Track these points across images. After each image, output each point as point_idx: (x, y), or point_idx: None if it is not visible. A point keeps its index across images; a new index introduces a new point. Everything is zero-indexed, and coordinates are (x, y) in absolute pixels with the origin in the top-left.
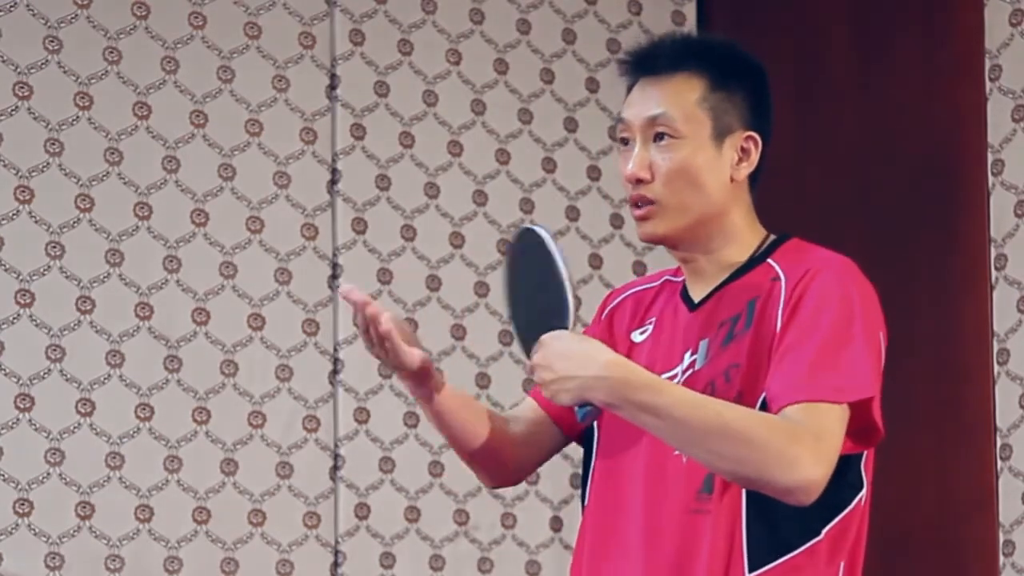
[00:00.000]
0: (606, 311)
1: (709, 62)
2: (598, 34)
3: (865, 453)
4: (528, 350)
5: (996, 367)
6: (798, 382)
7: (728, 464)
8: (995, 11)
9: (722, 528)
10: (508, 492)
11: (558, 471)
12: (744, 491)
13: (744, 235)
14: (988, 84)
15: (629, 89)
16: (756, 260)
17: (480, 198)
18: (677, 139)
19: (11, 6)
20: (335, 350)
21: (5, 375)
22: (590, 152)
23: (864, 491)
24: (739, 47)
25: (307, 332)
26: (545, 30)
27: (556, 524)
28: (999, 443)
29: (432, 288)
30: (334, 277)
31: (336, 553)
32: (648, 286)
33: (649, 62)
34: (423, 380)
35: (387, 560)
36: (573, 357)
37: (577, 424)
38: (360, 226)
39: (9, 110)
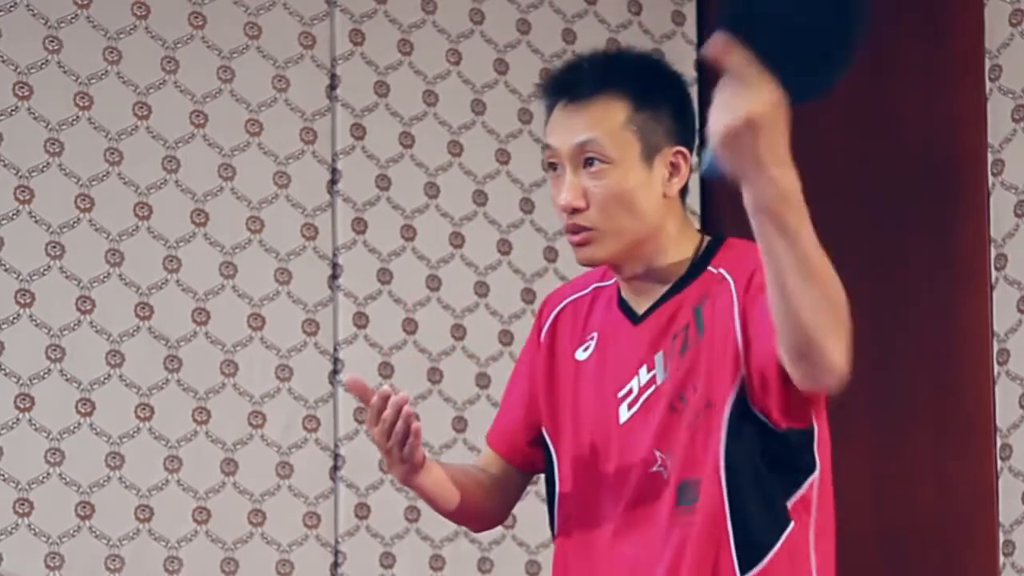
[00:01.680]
0: (545, 328)
1: (630, 81)
2: (598, 34)
3: (816, 436)
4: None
5: (996, 367)
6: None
7: (812, 316)
8: (995, 11)
9: (707, 538)
10: None
11: None
12: (727, 499)
13: (680, 243)
14: (988, 84)
15: (549, 111)
16: (697, 269)
17: (480, 198)
18: (607, 164)
19: (11, 6)
20: (335, 350)
21: (5, 375)
22: None
23: (817, 473)
24: (658, 61)
25: (307, 332)
26: (545, 30)
27: None
28: (999, 443)
29: (432, 288)
30: (334, 277)
31: (336, 553)
32: (580, 294)
33: (570, 86)
34: (416, 470)
35: (387, 560)
36: (776, 135)
37: (538, 463)
38: (360, 226)
39: (9, 110)
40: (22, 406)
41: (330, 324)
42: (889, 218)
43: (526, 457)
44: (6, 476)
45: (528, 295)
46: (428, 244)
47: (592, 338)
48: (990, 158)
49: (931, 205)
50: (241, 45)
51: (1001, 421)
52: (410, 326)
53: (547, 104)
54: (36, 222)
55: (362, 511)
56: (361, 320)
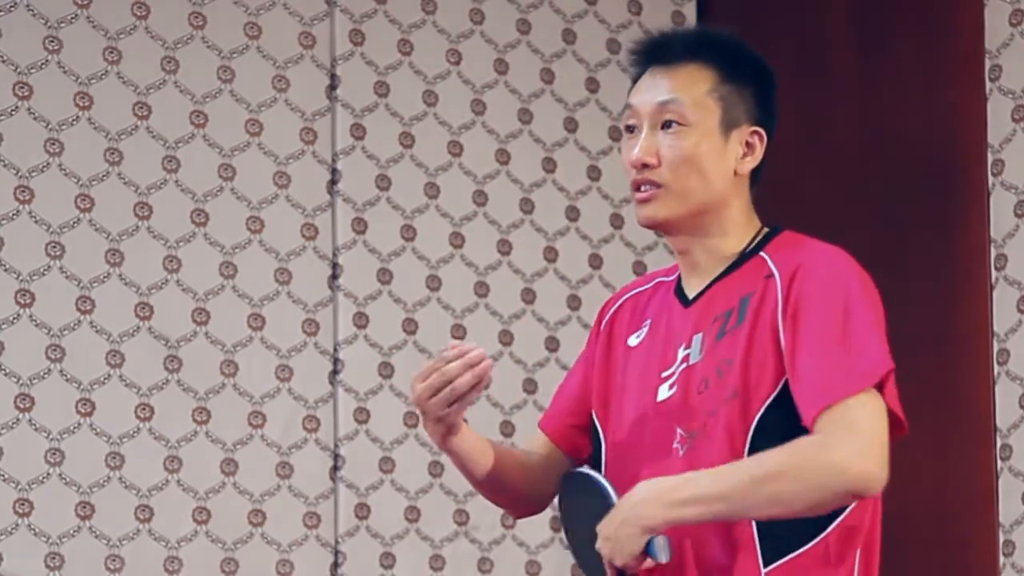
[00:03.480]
0: (604, 321)
1: (720, 55)
2: (598, 34)
3: None
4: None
5: (996, 367)
6: (818, 390)
7: (789, 506)
8: (995, 11)
9: (733, 525)
10: None
11: None
12: None
13: (740, 228)
14: (988, 84)
15: (637, 78)
16: (749, 254)
17: (480, 198)
18: (685, 126)
19: (11, 6)
20: (335, 350)
21: (5, 375)
22: (590, 152)
23: None
24: (748, 44)
25: (307, 332)
26: (545, 30)
27: (556, 524)
28: (999, 443)
29: (432, 288)
30: (334, 277)
31: (336, 553)
32: (643, 288)
33: (661, 51)
34: (454, 432)
35: (387, 560)
36: (614, 514)
37: (584, 449)
38: (360, 226)
39: (9, 110)
40: (22, 406)
41: (330, 324)
42: (889, 218)
43: (572, 440)
44: (6, 476)
45: (528, 295)
46: (428, 244)
47: (646, 324)
48: (990, 158)
49: (931, 205)
50: (241, 45)
51: (1001, 421)
52: (410, 326)
53: (636, 71)
54: (36, 222)
55: (362, 511)
56: (361, 320)
